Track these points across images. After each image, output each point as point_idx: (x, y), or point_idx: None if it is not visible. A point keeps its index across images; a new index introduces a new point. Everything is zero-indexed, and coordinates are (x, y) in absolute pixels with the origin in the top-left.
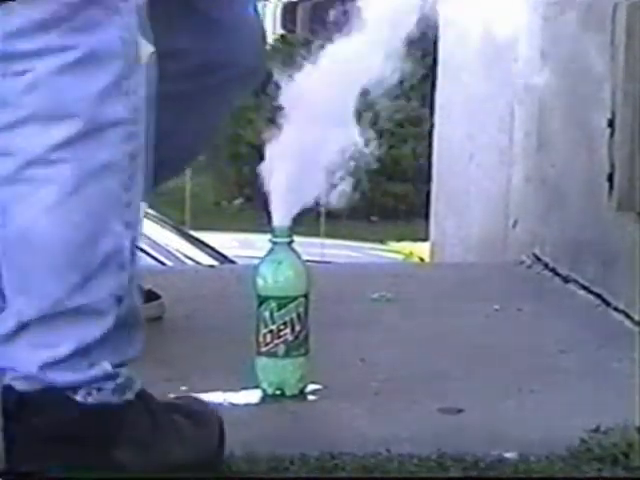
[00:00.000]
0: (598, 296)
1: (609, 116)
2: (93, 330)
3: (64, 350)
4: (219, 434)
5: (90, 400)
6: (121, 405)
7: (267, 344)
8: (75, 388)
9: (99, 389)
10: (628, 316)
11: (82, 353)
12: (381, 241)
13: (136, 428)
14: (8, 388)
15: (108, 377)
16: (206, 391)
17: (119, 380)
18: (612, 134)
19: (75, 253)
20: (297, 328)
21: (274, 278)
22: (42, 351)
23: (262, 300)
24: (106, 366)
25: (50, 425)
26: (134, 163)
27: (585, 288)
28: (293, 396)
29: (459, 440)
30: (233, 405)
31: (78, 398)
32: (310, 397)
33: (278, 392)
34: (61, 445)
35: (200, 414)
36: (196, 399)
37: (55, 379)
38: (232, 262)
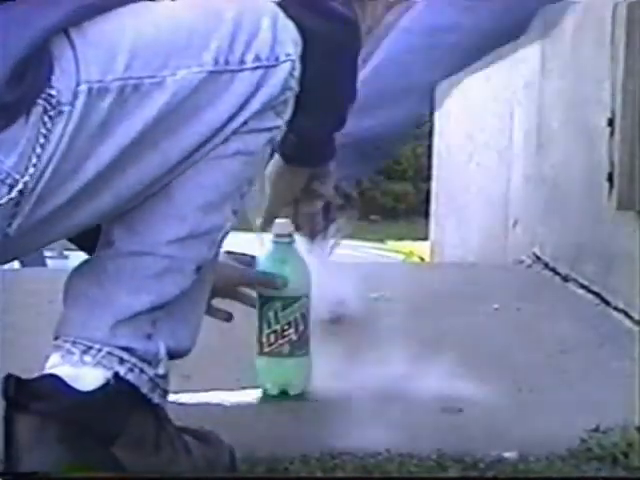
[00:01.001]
0: (598, 295)
1: (609, 116)
2: (172, 286)
3: (144, 300)
4: (230, 458)
5: (129, 377)
6: (132, 401)
7: (271, 344)
8: (128, 350)
9: (142, 370)
10: (628, 315)
11: (153, 311)
12: (381, 240)
13: (141, 430)
14: (9, 376)
15: (156, 359)
16: (206, 390)
17: (160, 370)
18: (612, 134)
19: (194, 210)
20: (301, 328)
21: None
22: (124, 295)
23: (266, 300)
24: (161, 347)
25: (49, 411)
26: (262, 166)
27: (585, 287)
28: (293, 396)
29: (459, 440)
30: (233, 405)
31: (121, 370)
32: (310, 397)
33: (282, 392)
34: (59, 432)
35: (210, 437)
36: (204, 428)
37: (115, 340)
38: None
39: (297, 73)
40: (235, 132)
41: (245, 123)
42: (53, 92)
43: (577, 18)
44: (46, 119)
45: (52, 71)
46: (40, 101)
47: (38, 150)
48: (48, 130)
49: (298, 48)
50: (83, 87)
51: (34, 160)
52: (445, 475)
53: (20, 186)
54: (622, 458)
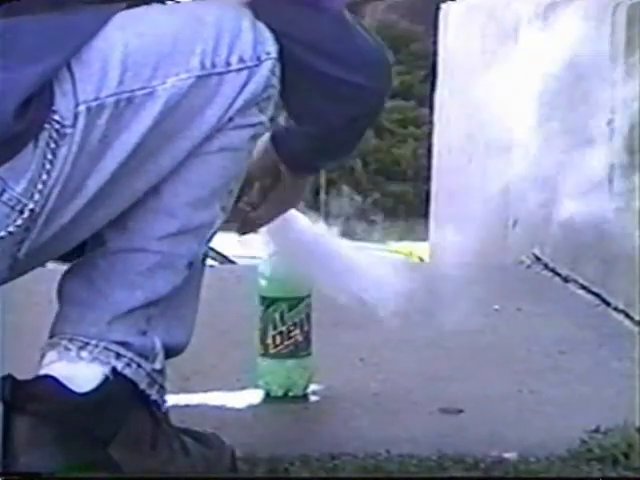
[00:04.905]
0: (598, 296)
1: (609, 116)
2: (165, 282)
3: (138, 296)
4: (231, 460)
5: (127, 372)
6: (129, 399)
7: (277, 346)
8: (124, 344)
9: (139, 365)
10: (628, 316)
11: (147, 307)
12: (381, 241)
13: (137, 430)
14: (6, 377)
15: (152, 353)
16: (206, 391)
17: (157, 365)
18: (612, 134)
19: (183, 206)
20: (306, 328)
21: (283, 279)
22: (118, 291)
23: (271, 302)
24: (157, 342)
25: (45, 412)
26: (246, 162)
27: (585, 288)
28: (296, 397)
29: (459, 441)
30: (233, 406)
31: (119, 365)
32: (310, 397)
33: (285, 393)
34: (55, 433)
35: (211, 439)
36: (205, 430)
37: (111, 335)
38: (232, 262)
39: (278, 71)
40: (220, 129)
41: (230, 120)
42: (56, 117)
43: (577, 18)
44: (52, 144)
45: (54, 95)
46: (46, 126)
47: (44, 176)
48: (53, 154)
49: (277, 46)
50: (82, 107)
51: (40, 186)
52: (445, 475)
53: (27, 213)
54: (622, 459)
